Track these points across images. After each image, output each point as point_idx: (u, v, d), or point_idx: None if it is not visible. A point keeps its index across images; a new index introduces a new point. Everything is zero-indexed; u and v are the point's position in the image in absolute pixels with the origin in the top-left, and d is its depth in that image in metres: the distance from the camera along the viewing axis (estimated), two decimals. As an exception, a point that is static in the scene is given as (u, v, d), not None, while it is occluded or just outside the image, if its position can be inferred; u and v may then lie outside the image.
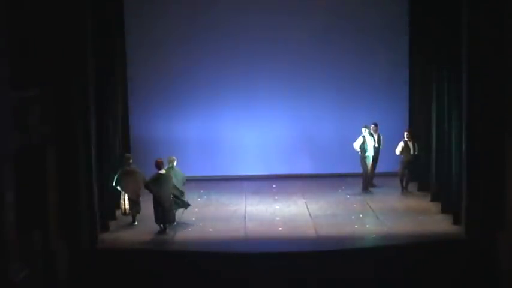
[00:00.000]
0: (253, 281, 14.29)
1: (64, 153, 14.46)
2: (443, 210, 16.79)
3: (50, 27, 14.03)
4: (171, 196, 16.08)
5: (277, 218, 16.94)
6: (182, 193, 16.68)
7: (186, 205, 16.70)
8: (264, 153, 20.59)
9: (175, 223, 16.30)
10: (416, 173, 19.08)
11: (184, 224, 16.44)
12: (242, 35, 20.15)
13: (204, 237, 15.77)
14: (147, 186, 16.11)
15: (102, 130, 16.31)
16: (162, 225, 15.99)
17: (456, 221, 15.77)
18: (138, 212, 16.71)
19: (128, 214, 16.66)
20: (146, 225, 16.53)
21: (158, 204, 15.93)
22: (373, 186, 19.18)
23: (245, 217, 17.10)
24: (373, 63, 20.38)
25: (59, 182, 14.40)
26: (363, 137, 18.70)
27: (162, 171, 16.13)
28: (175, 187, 16.33)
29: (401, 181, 18.75)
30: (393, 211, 17.25)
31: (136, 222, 16.62)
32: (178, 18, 20.15)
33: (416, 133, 19.46)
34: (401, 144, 18.56)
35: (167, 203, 15.97)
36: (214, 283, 14.35)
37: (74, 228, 14.61)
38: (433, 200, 17.84)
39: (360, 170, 19.09)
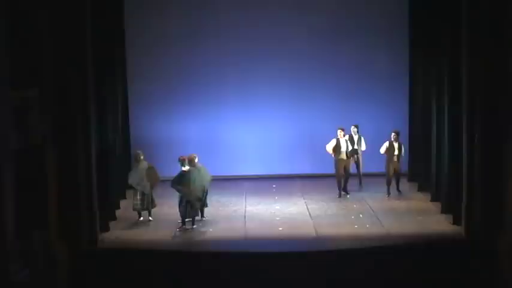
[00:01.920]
0: (253, 281, 14.28)
1: (64, 153, 14.45)
2: (443, 210, 16.79)
3: (49, 27, 14.02)
4: (202, 192, 16.37)
5: (277, 218, 16.94)
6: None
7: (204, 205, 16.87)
8: (264, 153, 20.58)
9: (204, 218, 16.60)
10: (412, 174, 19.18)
11: (185, 224, 16.43)
12: (242, 35, 20.15)
13: (204, 237, 15.78)
14: (173, 185, 16.20)
15: (102, 130, 16.31)
16: (191, 220, 16.20)
17: (456, 221, 15.77)
18: (154, 207, 16.83)
19: (138, 210, 16.73)
20: (146, 225, 16.56)
21: (183, 201, 16.08)
22: (348, 190, 18.94)
23: (245, 217, 17.10)
24: (373, 63, 20.37)
25: (59, 182, 14.39)
26: (337, 139, 18.54)
27: (186, 168, 16.20)
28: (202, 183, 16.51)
29: (388, 183, 18.55)
30: (393, 211, 17.25)
31: (151, 218, 16.73)
32: (178, 18, 20.15)
33: (416, 133, 19.50)
34: (386, 144, 18.47)
35: (193, 198, 16.12)
36: (214, 283, 14.35)
37: (74, 228, 14.60)
38: (433, 200, 17.84)
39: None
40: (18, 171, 13.04)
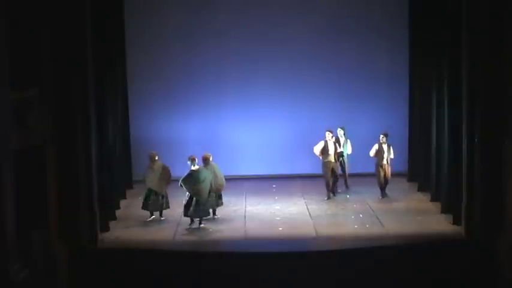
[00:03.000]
0: (253, 281, 14.29)
1: (64, 153, 14.47)
2: (443, 210, 16.79)
3: (49, 27, 14.03)
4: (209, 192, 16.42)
5: (277, 218, 16.94)
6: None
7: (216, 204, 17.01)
8: (264, 153, 20.58)
9: (213, 216, 16.72)
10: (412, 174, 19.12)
11: (185, 224, 16.44)
12: (242, 35, 20.15)
13: (204, 237, 15.78)
14: (181, 184, 16.28)
15: (102, 130, 16.32)
16: (198, 220, 16.31)
17: (456, 221, 15.77)
18: (167, 207, 16.94)
19: (157, 210, 16.87)
20: (146, 225, 16.56)
21: (191, 200, 16.19)
22: (336, 191, 18.80)
23: (245, 217, 17.11)
24: (373, 63, 20.36)
25: (59, 182, 14.40)
26: (325, 141, 18.41)
27: (195, 168, 16.29)
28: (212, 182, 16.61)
29: (380, 185, 18.38)
30: (393, 211, 17.25)
31: (163, 217, 16.83)
32: (178, 18, 20.15)
33: (416, 133, 19.50)
34: (375, 146, 18.30)
35: (202, 198, 16.19)
36: (214, 283, 14.35)
37: (74, 228, 14.62)
38: (433, 200, 17.84)
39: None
40: (18, 171, 13.04)
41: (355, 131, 19.09)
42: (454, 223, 15.86)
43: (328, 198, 18.37)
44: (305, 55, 20.32)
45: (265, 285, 14.32)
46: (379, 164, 18.29)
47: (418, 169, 19.28)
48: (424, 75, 18.82)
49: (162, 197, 16.81)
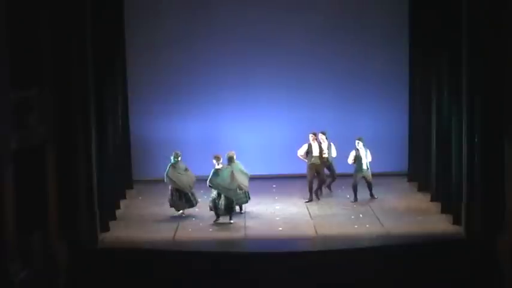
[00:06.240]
0: (254, 281, 14.29)
1: (64, 153, 14.47)
2: (443, 210, 16.79)
3: (50, 27, 14.04)
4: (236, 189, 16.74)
5: (277, 218, 16.94)
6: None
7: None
8: (264, 153, 20.57)
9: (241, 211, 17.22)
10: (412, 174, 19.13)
11: (185, 224, 16.45)
12: (242, 34, 20.15)
13: (204, 237, 15.78)
14: (209, 182, 16.50)
15: (102, 130, 16.32)
16: (228, 216, 16.62)
17: (456, 221, 15.78)
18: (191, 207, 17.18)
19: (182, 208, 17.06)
20: (146, 225, 16.56)
21: (217, 197, 16.52)
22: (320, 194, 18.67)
23: (245, 217, 17.11)
24: (373, 63, 20.36)
25: (59, 182, 14.40)
26: (309, 144, 18.29)
27: (219, 166, 16.56)
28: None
29: (355, 191, 18.10)
30: (393, 211, 17.25)
31: (184, 214, 17.08)
32: (178, 18, 20.15)
33: (416, 133, 19.50)
34: (353, 153, 17.98)
35: (231, 194, 16.57)
36: (214, 283, 14.35)
37: (74, 228, 14.62)
38: (433, 200, 17.84)
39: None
40: (18, 171, 13.04)
41: (355, 131, 19.02)
42: (454, 223, 15.87)
43: (310, 200, 18.21)
44: (304, 55, 20.31)
45: (265, 285, 14.32)
46: (359, 170, 18.02)
47: (418, 169, 19.27)
48: (424, 75, 18.81)
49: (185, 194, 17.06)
